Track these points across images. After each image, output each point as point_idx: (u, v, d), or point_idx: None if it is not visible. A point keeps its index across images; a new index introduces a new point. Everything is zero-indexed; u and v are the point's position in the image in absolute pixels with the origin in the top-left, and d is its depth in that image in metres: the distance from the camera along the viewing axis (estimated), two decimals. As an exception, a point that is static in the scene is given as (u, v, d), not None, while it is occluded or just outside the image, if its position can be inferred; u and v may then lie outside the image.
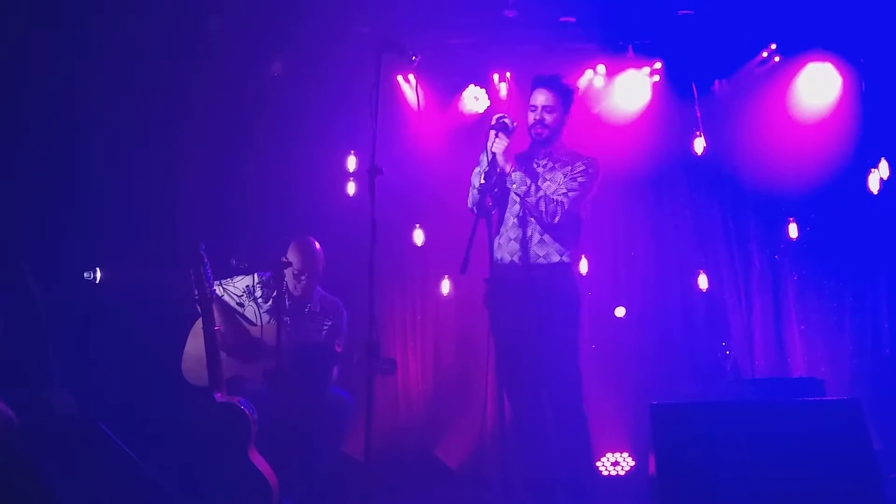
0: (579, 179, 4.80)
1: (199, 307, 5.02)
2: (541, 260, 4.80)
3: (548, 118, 4.87)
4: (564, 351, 4.81)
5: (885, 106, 6.20)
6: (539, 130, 4.89)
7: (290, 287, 5.57)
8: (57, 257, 5.96)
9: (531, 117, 4.90)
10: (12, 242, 5.67)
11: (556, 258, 4.81)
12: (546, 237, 4.81)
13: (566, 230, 4.82)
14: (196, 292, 5.02)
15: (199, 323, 5.44)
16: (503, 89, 6.67)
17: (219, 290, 5.42)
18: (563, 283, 4.85)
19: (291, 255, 5.51)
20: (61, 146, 6.03)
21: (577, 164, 4.85)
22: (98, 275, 6.09)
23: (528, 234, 4.82)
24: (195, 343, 5.38)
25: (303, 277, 5.54)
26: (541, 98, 4.88)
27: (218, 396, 4.83)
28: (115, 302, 6.05)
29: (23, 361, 5.34)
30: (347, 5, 6.07)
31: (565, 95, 4.91)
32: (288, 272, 5.43)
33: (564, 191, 4.77)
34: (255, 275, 5.64)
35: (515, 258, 4.83)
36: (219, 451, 4.71)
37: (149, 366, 5.73)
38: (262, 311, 5.56)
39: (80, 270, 6.06)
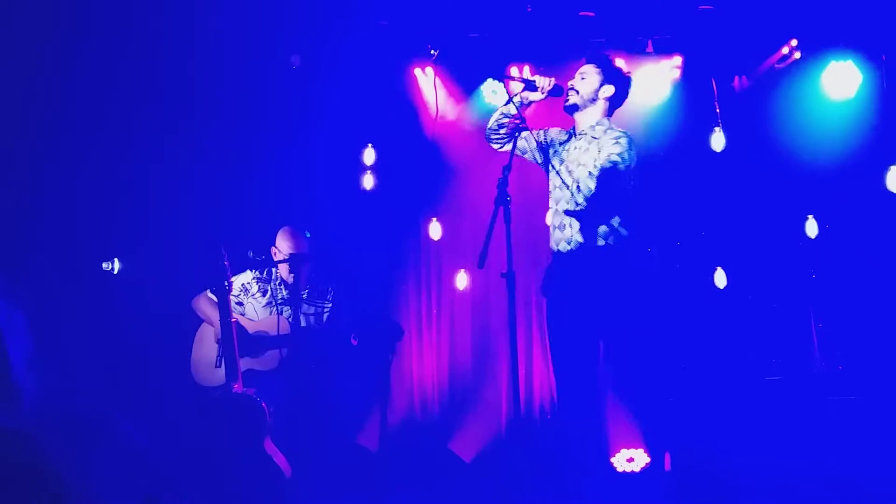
0: None
1: (217, 298, 5.06)
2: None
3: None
4: None
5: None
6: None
7: (284, 275, 5.60)
8: (75, 248, 5.99)
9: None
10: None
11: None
12: None
13: None
14: (213, 286, 5.07)
15: (202, 328, 5.50)
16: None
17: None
18: None
19: (279, 244, 5.56)
20: (79, 140, 6.06)
21: None
22: (117, 265, 6.12)
23: None
24: (201, 349, 5.45)
25: (300, 266, 5.56)
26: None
27: (235, 387, 4.86)
28: (133, 293, 6.08)
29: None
30: (367, -1, 6.08)
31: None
32: (282, 263, 5.52)
33: None
34: (249, 271, 5.68)
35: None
36: (234, 442, 4.74)
37: (166, 356, 5.76)
38: (260, 305, 5.61)
39: (98, 261, 6.09)
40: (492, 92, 6.64)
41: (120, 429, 5.03)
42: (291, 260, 5.46)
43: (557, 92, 4.70)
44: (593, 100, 4.78)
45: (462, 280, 6.68)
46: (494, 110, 6.56)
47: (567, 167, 4.74)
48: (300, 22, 6.27)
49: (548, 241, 4.81)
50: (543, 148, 4.90)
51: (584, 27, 6.36)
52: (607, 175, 4.55)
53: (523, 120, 4.78)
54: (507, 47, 6.56)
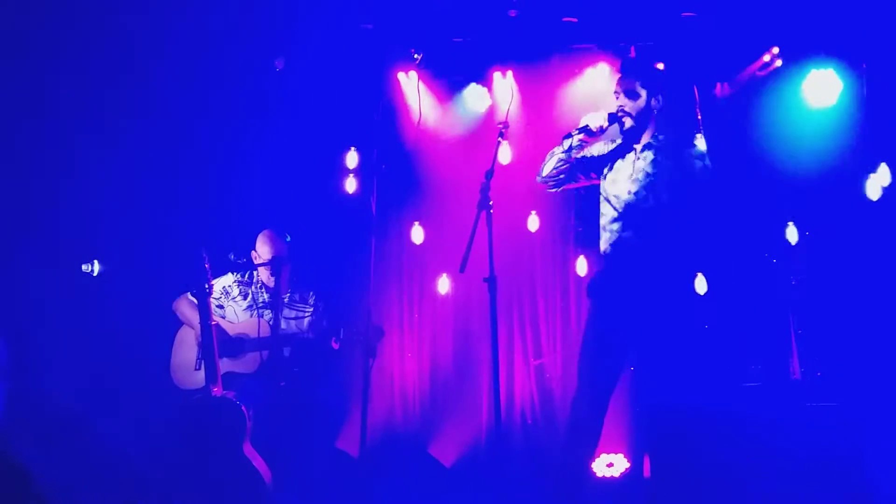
0: None
1: (198, 300, 5.04)
2: None
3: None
4: None
5: (886, 112, 6.19)
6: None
7: (265, 279, 5.59)
8: (55, 250, 5.96)
9: None
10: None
11: None
12: None
13: None
14: (194, 288, 5.06)
15: (182, 331, 5.49)
16: (504, 88, 6.67)
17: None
18: None
19: (259, 248, 5.57)
20: (60, 141, 6.03)
21: None
22: (97, 268, 6.09)
23: None
24: (181, 353, 5.44)
25: (280, 269, 5.55)
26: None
27: (214, 391, 4.84)
28: (113, 295, 6.05)
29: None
30: (351, 2, 6.07)
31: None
32: (262, 267, 5.53)
33: None
34: (231, 273, 5.67)
35: None
36: (214, 446, 4.72)
37: (146, 359, 5.73)
38: (240, 308, 5.59)
39: (78, 263, 6.06)
40: (475, 96, 6.64)
41: (98, 431, 5.01)
42: (272, 263, 5.45)
43: (613, 120, 4.73)
44: (646, 113, 4.79)
45: (444, 284, 6.67)
46: (476, 115, 6.65)
47: (634, 177, 4.75)
48: (284, 24, 6.26)
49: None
50: (592, 167, 4.93)
51: (567, 32, 6.38)
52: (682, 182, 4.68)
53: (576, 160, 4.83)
54: (490, 52, 6.57)
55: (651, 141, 4.77)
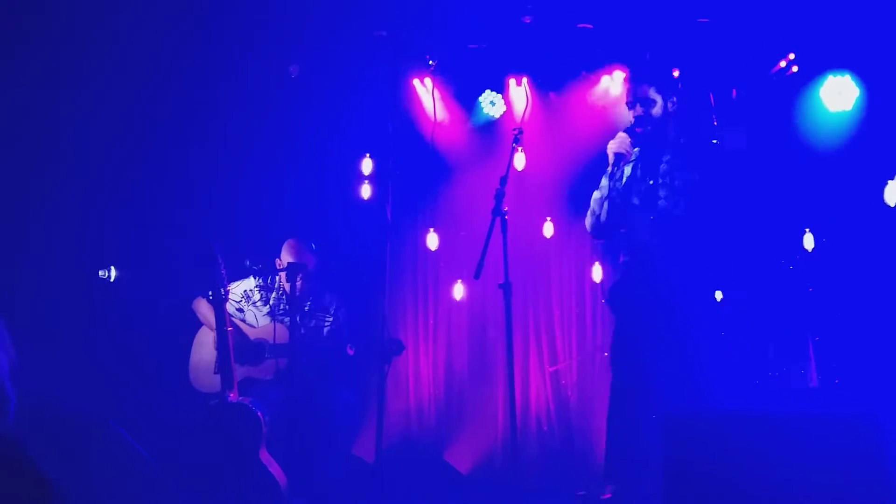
0: None
1: (213, 307, 5.06)
2: None
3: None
4: None
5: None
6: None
7: (285, 286, 5.61)
8: (72, 255, 5.98)
9: None
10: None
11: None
12: None
13: None
14: (210, 292, 5.07)
15: (200, 333, 5.50)
16: (519, 94, 6.67)
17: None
18: None
19: (283, 255, 5.57)
20: (76, 146, 6.05)
21: None
22: (113, 273, 6.12)
23: None
24: (200, 353, 5.45)
25: (297, 277, 5.55)
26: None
27: (230, 396, 4.85)
28: (129, 300, 6.07)
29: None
30: (366, 9, 6.08)
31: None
32: (283, 273, 5.51)
33: None
34: (252, 278, 5.68)
35: None
36: (230, 452, 4.72)
37: (162, 364, 5.75)
38: (261, 313, 5.61)
39: (95, 269, 6.09)
40: (490, 103, 6.64)
41: (114, 435, 5.01)
42: (289, 269, 5.45)
43: (633, 136, 4.63)
44: (664, 118, 4.68)
45: (459, 291, 6.67)
46: (492, 120, 6.63)
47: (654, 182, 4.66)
48: (299, 31, 6.27)
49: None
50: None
51: (582, 39, 6.37)
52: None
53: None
54: (505, 59, 6.57)
55: (671, 145, 4.71)
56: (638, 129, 4.62)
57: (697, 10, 6.09)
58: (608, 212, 4.65)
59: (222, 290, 5.07)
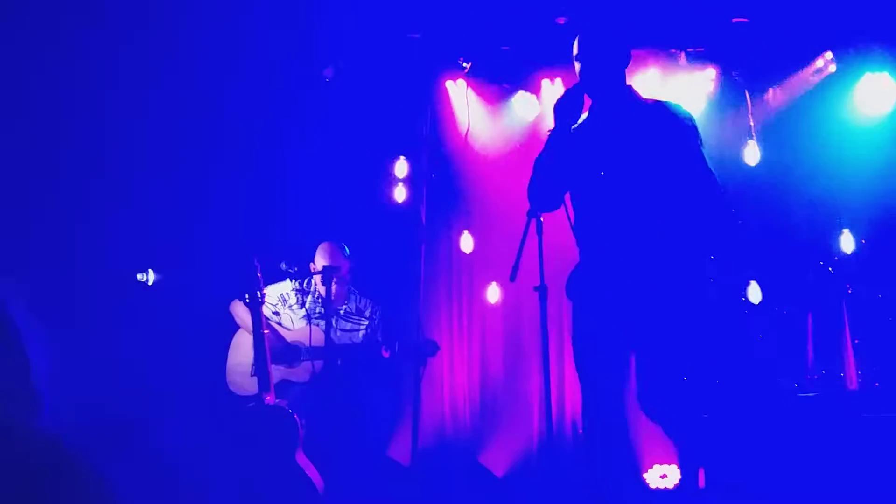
0: None
1: (250, 310, 5.09)
2: None
3: None
4: None
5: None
6: None
7: (321, 289, 5.63)
8: (109, 259, 6.04)
9: None
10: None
11: None
12: None
13: None
14: (247, 296, 5.10)
15: (238, 335, 5.53)
16: (553, 95, 6.65)
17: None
18: None
19: (317, 258, 5.60)
20: (116, 151, 6.11)
21: None
22: (151, 277, 6.17)
23: None
24: (237, 355, 5.49)
25: (334, 281, 5.57)
26: None
27: (267, 399, 4.88)
28: (167, 303, 6.12)
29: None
30: (399, 11, 6.09)
31: None
32: (317, 276, 5.52)
33: None
34: (289, 280, 5.71)
35: None
36: (267, 454, 4.75)
37: (199, 367, 5.79)
38: (297, 316, 5.63)
39: (132, 272, 6.14)
40: (524, 104, 6.63)
41: (151, 437, 5.06)
42: (324, 272, 5.48)
43: None
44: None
45: (494, 293, 6.65)
46: (525, 123, 6.61)
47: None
48: (333, 34, 6.30)
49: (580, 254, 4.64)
50: None
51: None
52: None
53: None
54: (539, 59, 6.55)
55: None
56: None
57: (733, 10, 6.04)
58: None
59: (258, 293, 5.10)
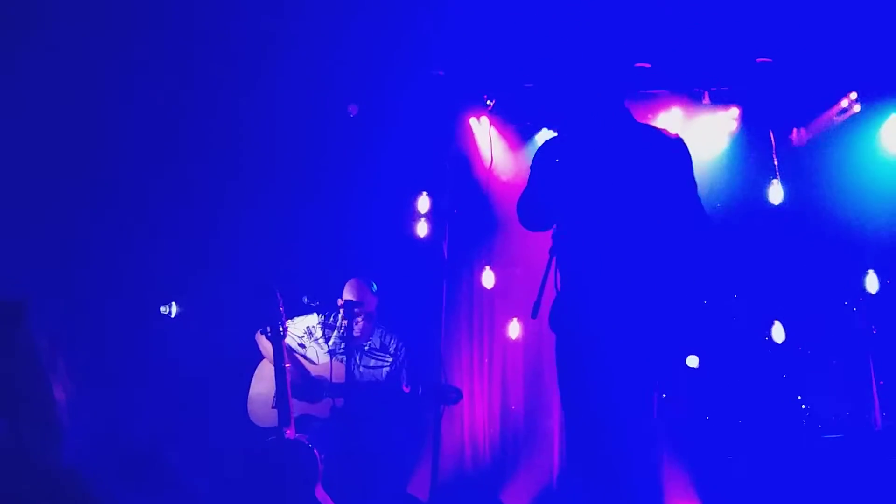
0: None
1: (271, 343, 5.10)
2: None
3: None
4: None
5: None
6: None
7: (345, 325, 5.63)
8: (133, 292, 6.09)
9: None
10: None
11: None
12: None
13: None
14: (269, 329, 5.12)
15: (262, 365, 5.54)
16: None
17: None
18: None
19: (345, 294, 5.60)
20: (138, 185, 6.17)
21: None
22: (174, 309, 6.21)
23: None
24: (260, 386, 5.49)
25: (358, 317, 5.57)
26: None
27: (288, 433, 4.88)
28: (189, 336, 6.15)
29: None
30: (423, 48, 6.15)
31: None
32: (342, 311, 5.52)
33: None
34: (316, 314, 5.72)
35: None
36: (286, 488, 4.74)
37: (221, 399, 5.80)
38: (322, 350, 5.64)
39: (156, 305, 6.18)
40: (546, 141, 6.64)
41: (172, 469, 5.06)
42: (345, 307, 5.49)
43: None
44: None
45: (514, 329, 6.64)
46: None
47: None
48: (358, 71, 6.36)
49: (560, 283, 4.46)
50: None
51: (640, 78, 6.35)
52: None
53: None
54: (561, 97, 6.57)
55: None
56: None
57: (758, 49, 6.05)
58: None
59: (280, 326, 5.11)
